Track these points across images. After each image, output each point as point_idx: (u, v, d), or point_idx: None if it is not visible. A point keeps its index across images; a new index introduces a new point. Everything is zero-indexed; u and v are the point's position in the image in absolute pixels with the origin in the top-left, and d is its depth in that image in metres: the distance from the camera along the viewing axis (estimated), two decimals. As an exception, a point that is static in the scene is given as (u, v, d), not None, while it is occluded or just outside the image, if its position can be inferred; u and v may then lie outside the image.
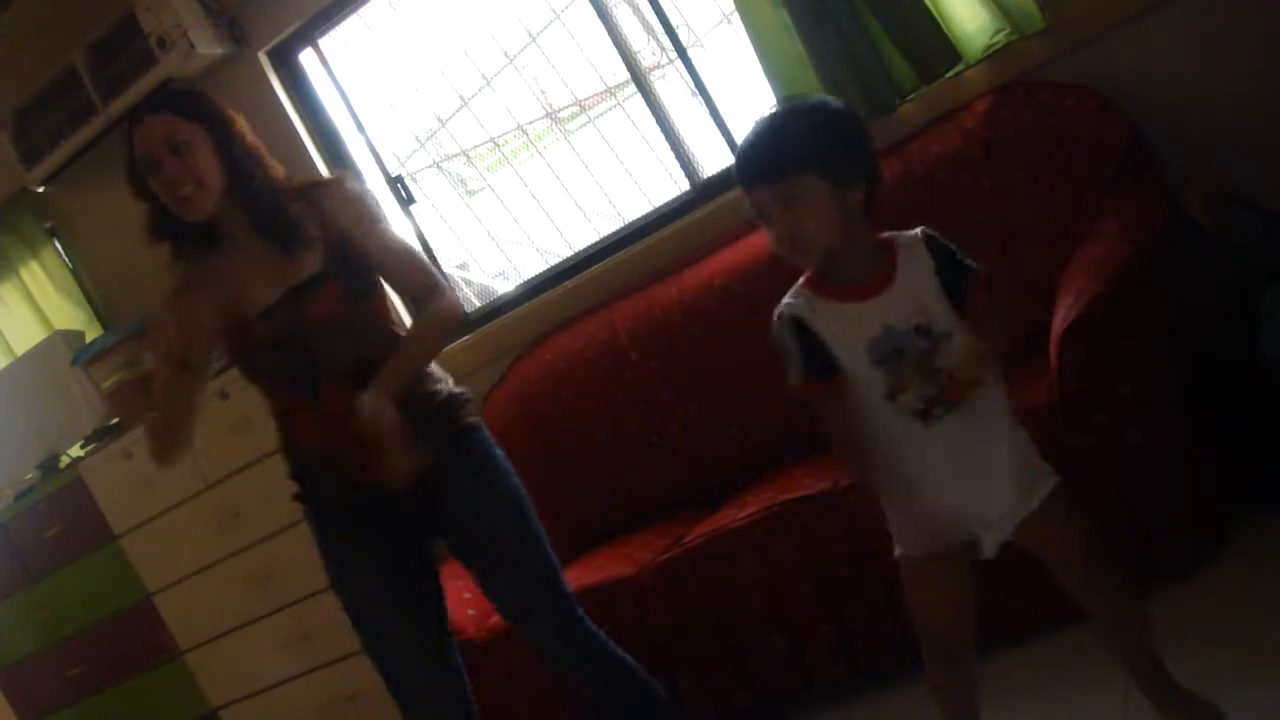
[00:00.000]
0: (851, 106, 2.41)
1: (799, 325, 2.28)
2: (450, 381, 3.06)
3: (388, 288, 3.04)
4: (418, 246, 2.86)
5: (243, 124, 3.01)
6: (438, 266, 2.86)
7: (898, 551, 2.40)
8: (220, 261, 2.98)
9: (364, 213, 2.98)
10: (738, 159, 2.32)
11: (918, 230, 2.32)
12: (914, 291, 2.25)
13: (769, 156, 2.24)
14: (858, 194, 2.25)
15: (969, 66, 3.73)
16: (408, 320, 3.26)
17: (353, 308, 2.94)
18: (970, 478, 2.26)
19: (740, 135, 3.92)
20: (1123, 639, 2.39)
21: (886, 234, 2.32)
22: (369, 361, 2.89)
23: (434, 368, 3.03)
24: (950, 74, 3.76)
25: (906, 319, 2.22)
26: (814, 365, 2.27)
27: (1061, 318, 2.91)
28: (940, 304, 2.25)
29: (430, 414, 2.95)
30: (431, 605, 3.10)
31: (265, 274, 2.93)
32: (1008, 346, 2.25)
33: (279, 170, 3.03)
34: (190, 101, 2.99)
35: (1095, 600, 2.36)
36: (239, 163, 2.92)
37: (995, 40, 3.66)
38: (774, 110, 2.34)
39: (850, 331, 2.24)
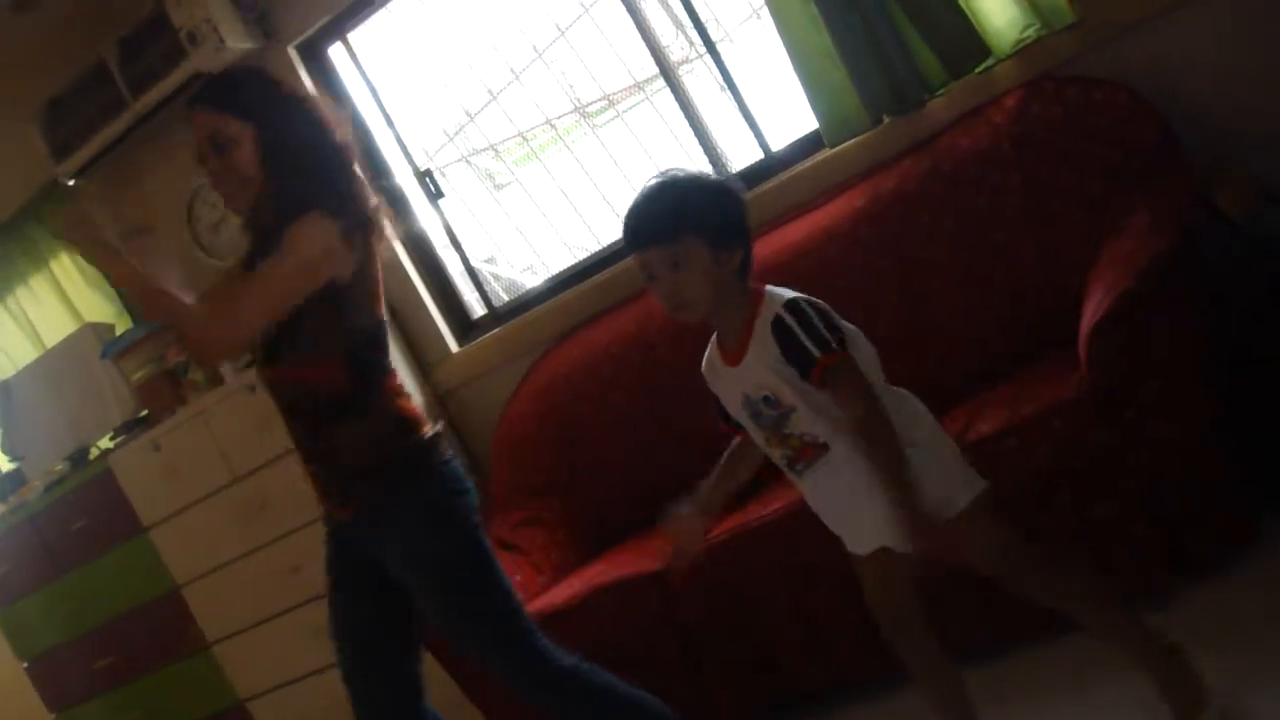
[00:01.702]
0: (730, 178, 2.65)
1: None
2: (399, 436, 2.98)
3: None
4: (278, 283, 2.77)
5: (296, 110, 2.97)
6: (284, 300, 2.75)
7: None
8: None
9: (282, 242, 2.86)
10: (631, 222, 2.51)
11: (777, 307, 2.45)
12: (759, 368, 2.45)
13: (662, 220, 2.46)
14: (734, 259, 2.46)
15: (998, 61, 3.72)
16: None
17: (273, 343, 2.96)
18: (838, 517, 2.58)
19: (767, 130, 3.94)
20: (1097, 637, 2.51)
21: (762, 292, 2.50)
22: (291, 404, 3.01)
23: (383, 427, 2.97)
24: (979, 69, 3.75)
25: (757, 389, 2.47)
26: (723, 412, 2.64)
27: (1090, 313, 2.90)
28: (784, 378, 2.42)
29: (362, 479, 2.97)
30: (393, 609, 3.10)
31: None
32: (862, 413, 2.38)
33: (339, 138, 2.99)
34: (237, 95, 2.95)
35: (1038, 603, 2.51)
36: (279, 161, 2.90)
37: (1025, 35, 3.65)
38: (661, 179, 2.53)
39: (729, 390, 2.55)
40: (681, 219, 2.43)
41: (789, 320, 2.40)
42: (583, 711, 3.02)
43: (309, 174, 2.90)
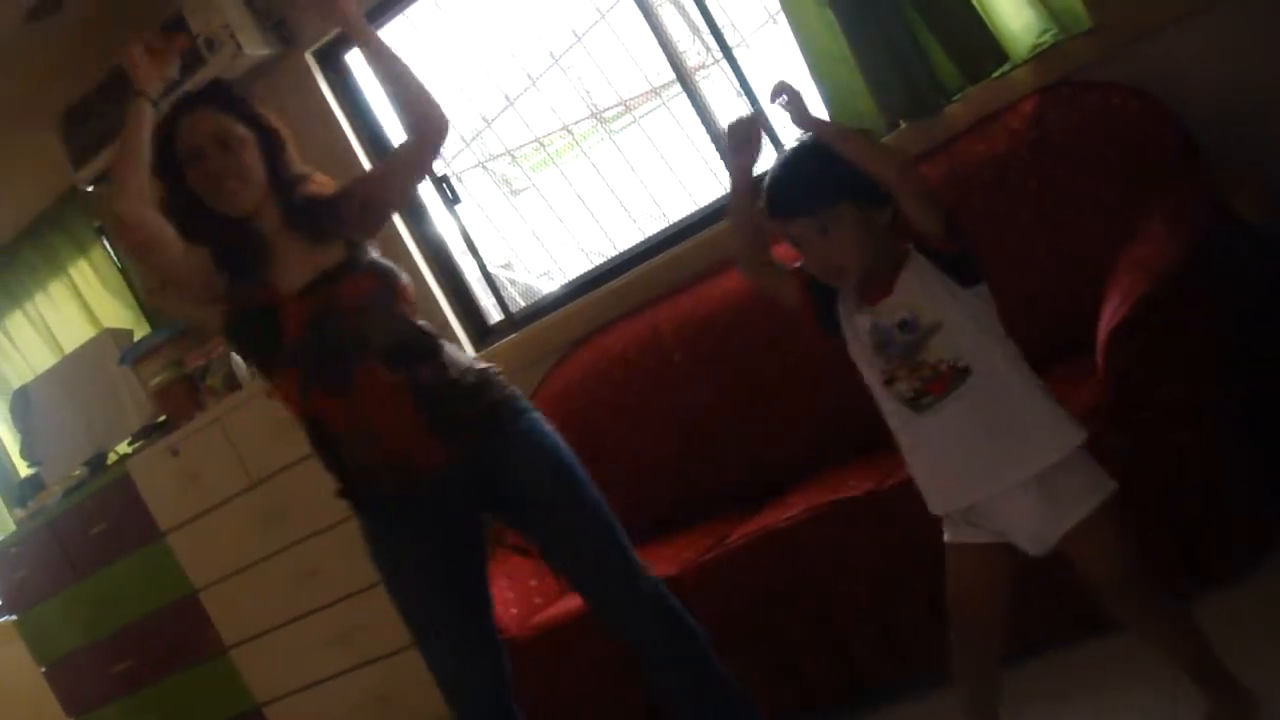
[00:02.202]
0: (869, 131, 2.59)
1: (829, 294, 2.49)
2: (477, 364, 3.08)
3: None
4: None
5: (289, 140, 3.12)
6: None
7: (946, 535, 2.50)
8: (247, 252, 3.02)
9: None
10: (773, 191, 2.45)
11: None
12: (909, 293, 2.37)
13: (805, 187, 2.41)
14: (883, 216, 2.39)
15: (1015, 67, 3.71)
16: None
17: (381, 290, 2.99)
18: (961, 462, 2.38)
19: (784, 135, 3.94)
20: (1167, 653, 2.43)
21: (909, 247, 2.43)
22: (399, 345, 2.95)
23: (460, 358, 3.04)
24: (996, 74, 3.75)
25: (894, 313, 2.37)
26: (825, 319, 2.52)
27: (1108, 318, 2.90)
28: (936, 300, 2.35)
29: (464, 397, 2.98)
30: (476, 596, 3.11)
31: (296, 262, 2.99)
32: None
33: (321, 186, 3.14)
34: (243, 104, 3.07)
35: (1130, 620, 2.43)
36: (280, 166, 3.04)
37: (1042, 40, 3.65)
38: (799, 145, 2.48)
39: (859, 328, 2.43)
40: (826, 184, 2.38)
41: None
42: (682, 646, 3.04)
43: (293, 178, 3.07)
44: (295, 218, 3.03)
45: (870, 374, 2.44)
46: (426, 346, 2.99)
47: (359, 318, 2.94)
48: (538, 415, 3.08)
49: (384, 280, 3.01)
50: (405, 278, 3.06)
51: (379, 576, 3.13)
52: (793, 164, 2.45)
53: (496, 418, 3.01)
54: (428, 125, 3.09)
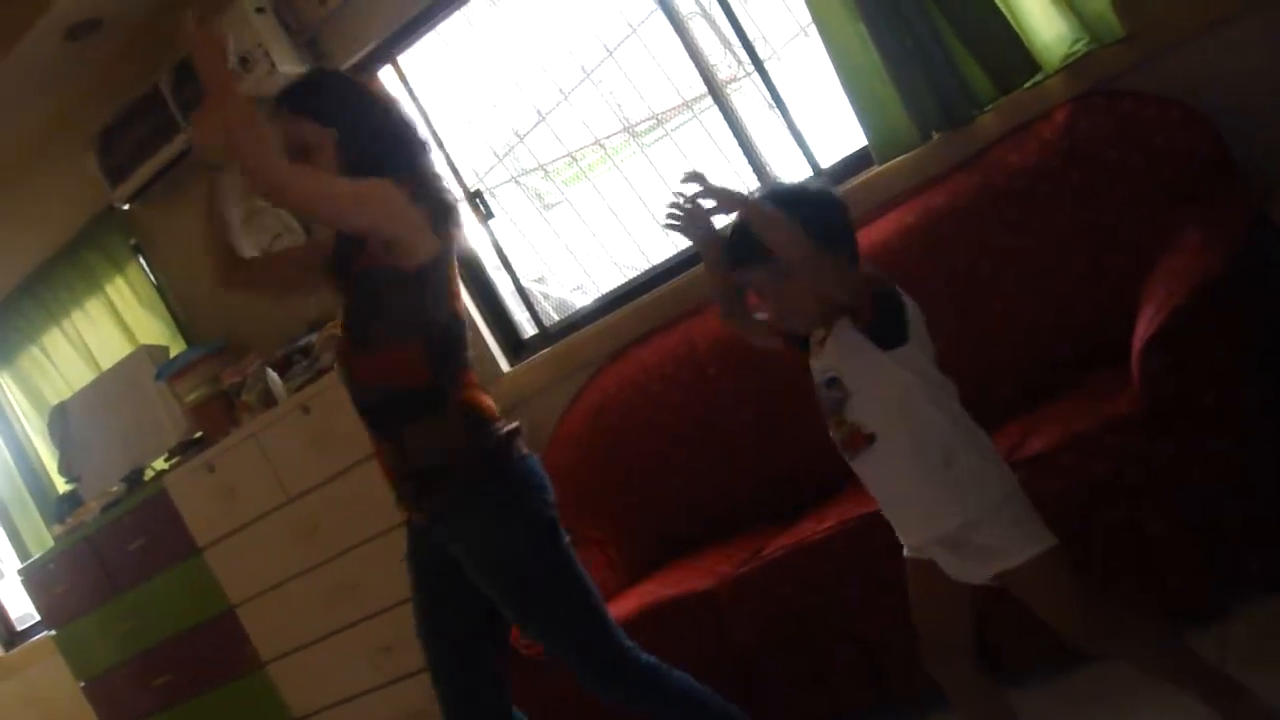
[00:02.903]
0: (831, 187, 2.69)
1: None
2: (474, 429, 3.04)
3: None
4: (344, 187, 2.95)
5: (379, 115, 3.08)
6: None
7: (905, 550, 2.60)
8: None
9: None
10: (733, 241, 2.54)
11: None
12: (834, 356, 2.48)
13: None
14: (841, 264, 2.45)
15: (1048, 76, 3.70)
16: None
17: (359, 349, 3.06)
18: (887, 508, 2.56)
19: (816, 147, 3.94)
20: (1152, 676, 2.48)
21: None
22: (371, 407, 3.07)
23: (459, 420, 3.03)
24: (1029, 84, 3.74)
25: (824, 372, 2.50)
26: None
27: (1144, 328, 2.89)
28: (853, 367, 2.45)
29: (433, 480, 3.02)
30: (477, 609, 3.12)
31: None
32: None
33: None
34: (319, 99, 3.05)
35: (1096, 654, 2.57)
36: (359, 164, 2.98)
37: (1074, 49, 3.64)
38: (766, 190, 2.61)
39: (812, 366, 2.55)
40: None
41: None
42: (666, 712, 3.05)
43: (387, 170, 2.98)
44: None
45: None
46: (396, 414, 3.03)
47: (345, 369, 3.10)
48: (498, 508, 3.02)
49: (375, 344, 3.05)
50: (404, 349, 3.01)
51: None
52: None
53: (440, 514, 3.05)
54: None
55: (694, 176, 2.51)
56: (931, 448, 2.41)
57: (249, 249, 3.24)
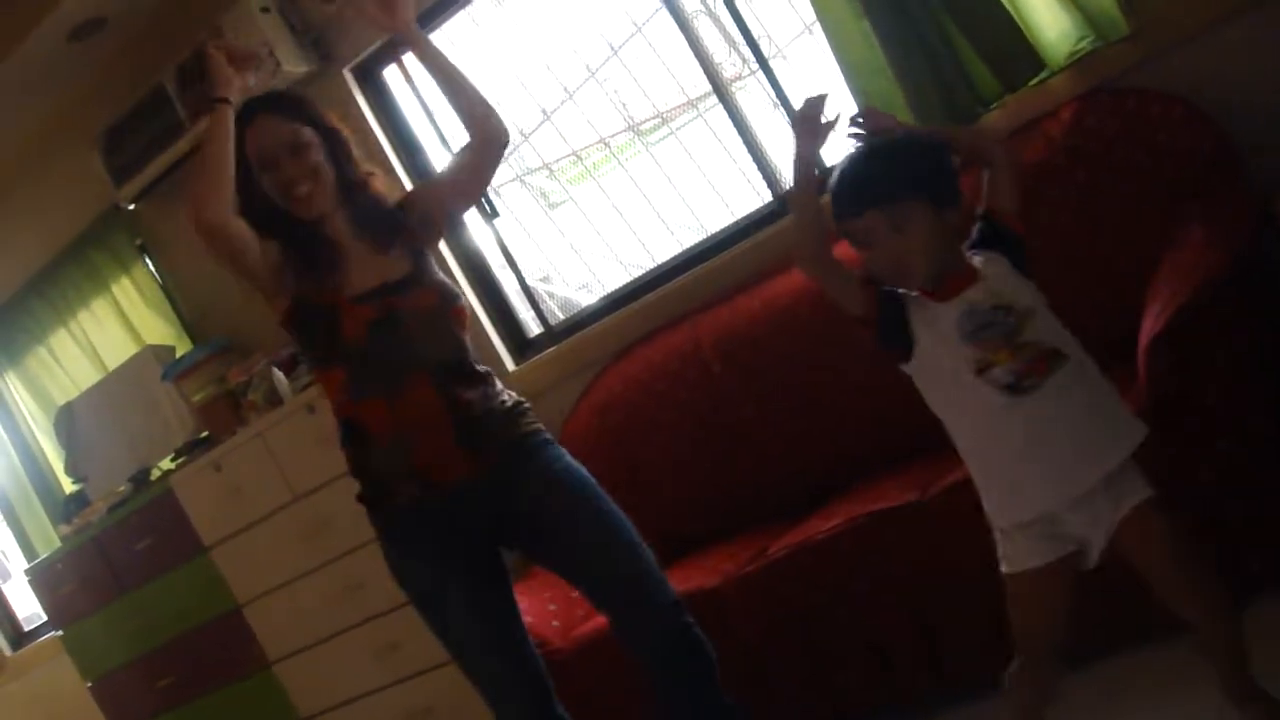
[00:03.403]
0: (934, 135, 2.56)
1: (896, 302, 2.42)
2: (513, 397, 3.17)
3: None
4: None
5: (351, 140, 3.23)
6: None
7: (1004, 568, 2.45)
8: (319, 255, 3.10)
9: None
10: (843, 186, 2.40)
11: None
12: (994, 283, 2.36)
13: (880, 182, 2.36)
14: (954, 217, 2.37)
15: (1053, 74, 3.70)
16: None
17: (441, 308, 3.08)
18: (1053, 455, 2.32)
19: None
20: (1217, 649, 2.40)
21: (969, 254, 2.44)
22: (448, 365, 3.04)
23: (499, 388, 3.12)
24: (1034, 82, 3.73)
25: (988, 301, 2.34)
26: (890, 336, 2.43)
27: (1149, 326, 2.89)
28: (1021, 288, 2.37)
29: (496, 422, 3.06)
30: (504, 607, 3.15)
31: (363, 268, 3.08)
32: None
33: (385, 187, 3.26)
34: (305, 106, 3.19)
35: (1189, 611, 2.38)
36: (347, 168, 3.15)
37: (1079, 47, 3.63)
38: (870, 143, 2.46)
39: (940, 320, 2.36)
40: (903, 180, 2.35)
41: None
42: (700, 687, 3.06)
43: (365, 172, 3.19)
44: (362, 221, 3.13)
45: (953, 368, 2.36)
46: (473, 372, 3.08)
47: (416, 331, 3.03)
48: (563, 450, 3.16)
49: (444, 300, 3.10)
50: (464, 301, 3.15)
51: (404, 595, 3.20)
52: (864, 160, 2.43)
53: (523, 445, 3.10)
54: (488, 131, 3.16)
55: (868, 113, 2.49)
56: (1096, 367, 2.37)
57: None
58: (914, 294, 2.41)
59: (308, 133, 3.09)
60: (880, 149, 2.43)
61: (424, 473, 3.02)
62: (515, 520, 3.09)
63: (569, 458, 3.15)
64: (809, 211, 2.46)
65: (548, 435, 3.17)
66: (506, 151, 3.25)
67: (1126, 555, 2.37)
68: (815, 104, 2.48)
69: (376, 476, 3.11)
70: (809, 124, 2.47)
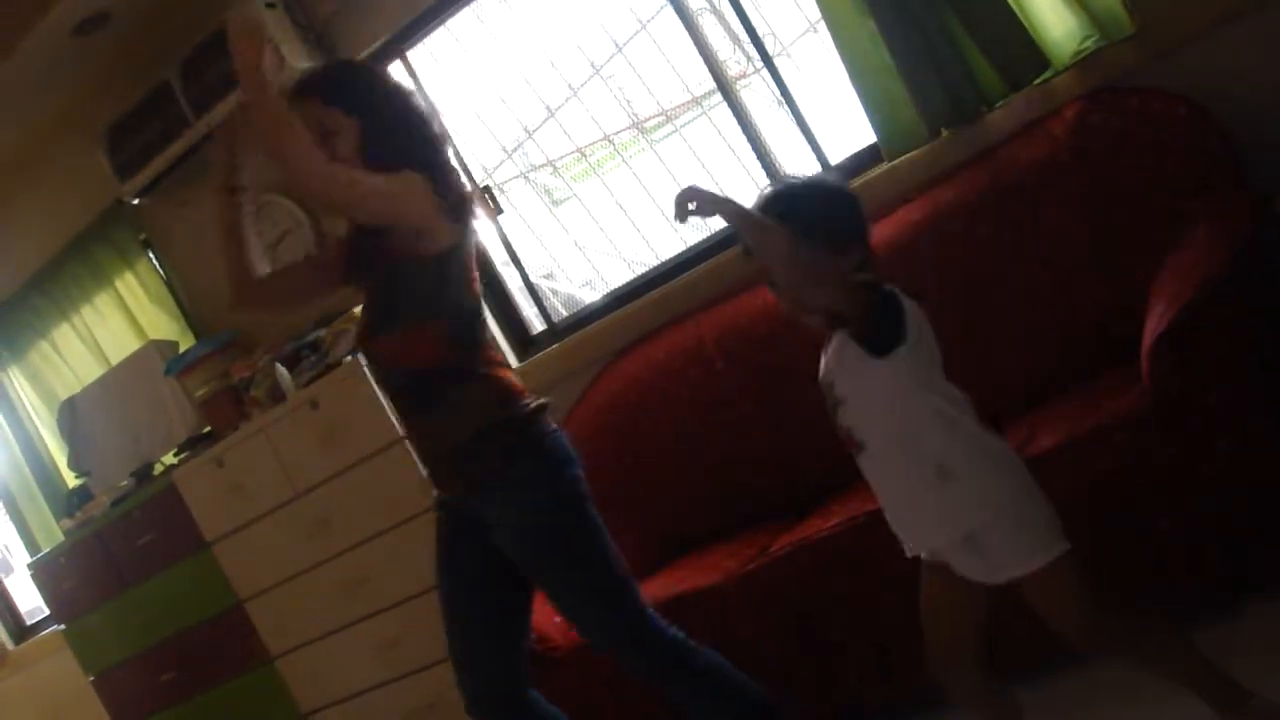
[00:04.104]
0: (844, 183, 2.67)
1: None
2: (493, 410, 3.09)
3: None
4: (373, 185, 3.00)
5: (399, 105, 3.12)
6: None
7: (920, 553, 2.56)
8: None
9: None
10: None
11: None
12: (831, 360, 2.49)
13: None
14: (851, 260, 2.45)
15: (1057, 73, 3.70)
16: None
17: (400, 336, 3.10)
18: (891, 510, 2.53)
19: (825, 143, 3.93)
20: (1167, 679, 2.45)
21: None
22: (402, 386, 3.15)
23: (487, 395, 3.10)
24: (1038, 81, 3.73)
25: (823, 375, 2.51)
26: None
27: (1153, 325, 2.88)
28: (846, 374, 2.45)
29: (463, 454, 3.08)
30: (504, 593, 3.18)
31: (371, 261, 3.13)
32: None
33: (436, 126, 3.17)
34: (344, 89, 3.10)
35: (1110, 659, 2.52)
36: (378, 150, 3.04)
37: (1083, 46, 3.63)
38: (775, 187, 2.55)
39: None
40: (798, 227, 2.41)
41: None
42: (689, 686, 3.09)
43: (405, 160, 3.04)
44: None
45: None
46: (424, 394, 3.09)
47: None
48: (528, 485, 3.08)
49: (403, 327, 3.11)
50: (427, 329, 3.08)
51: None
52: (764, 207, 2.50)
53: (473, 486, 3.10)
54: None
55: (690, 195, 2.44)
56: (924, 461, 2.40)
57: (264, 267, 3.28)
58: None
59: (340, 119, 3.04)
60: (783, 196, 2.50)
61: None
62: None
63: (529, 499, 3.08)
64: (745, 223, 2.51)
65: (512, 471, 3.07)
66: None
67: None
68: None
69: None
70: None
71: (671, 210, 2.54)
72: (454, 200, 3.06)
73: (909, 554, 2.54)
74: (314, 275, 3.36)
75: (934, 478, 2.39)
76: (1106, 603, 2.42)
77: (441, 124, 3.19)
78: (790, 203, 2.46)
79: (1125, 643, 2.41)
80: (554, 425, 3.15)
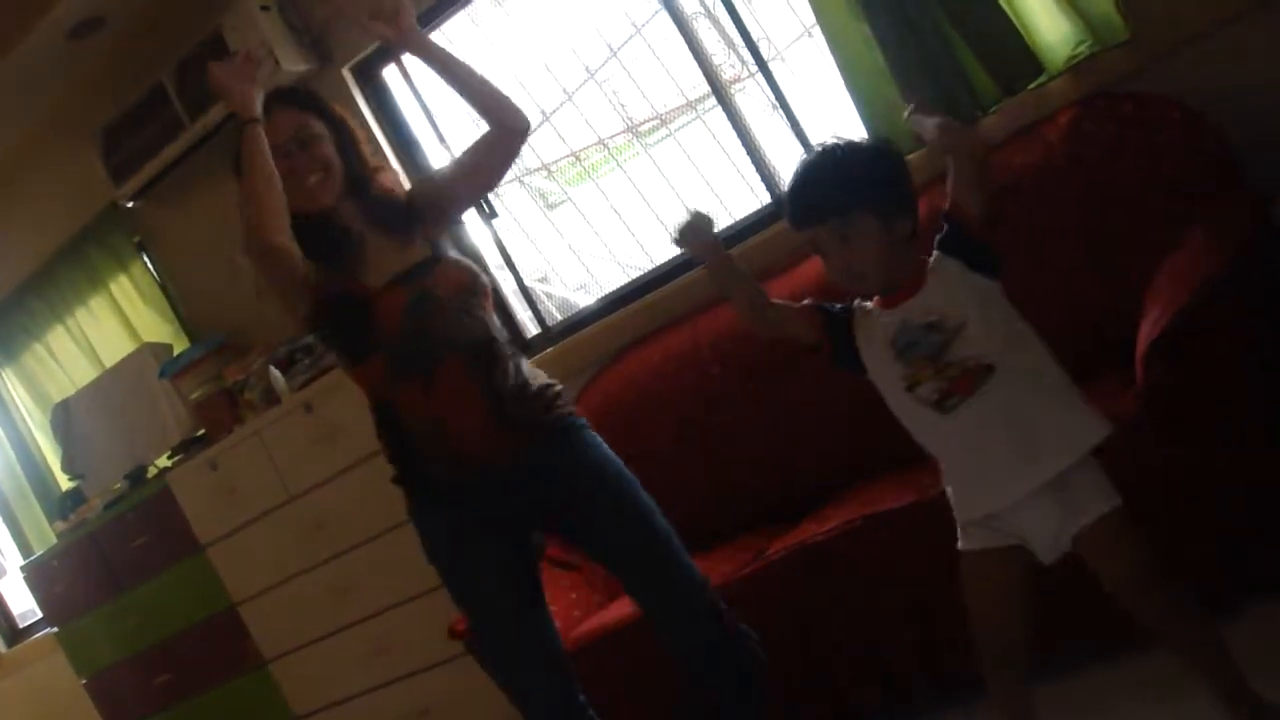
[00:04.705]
0: (894, 145, 2.59)
1: (843, 323, 2.51)
2: (543, 377, 3.14)
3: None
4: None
5: (358, 131, 3.26)
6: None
7: (959, 544, 2.52)
8: (338, 242, 3.11)
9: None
10: (793, 198, 2.47)
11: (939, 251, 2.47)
12: (935, 295, 2.40)
13: (827, 195, 2.42)
14: (905, 226, 2.41)
15: (1052, 78, 3.70)
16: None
17: (471, 285, 3.08)
18: (991, 462, 2.38)
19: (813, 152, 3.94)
20: (1193, 656, 2.41)
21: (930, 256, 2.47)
22: (479, 343, 3.03)
23: (529, 369, 3.10)
24: (1033, 86, 3.73)
25: (924, 314, 2.39)
26: (843, 357, 2.52)
27: (1148, 330, 2.89)
28: (961, 299, 2.38)
29: (528, 404, 3.04)
30: (530, 583, 3.13)
31: (383, 256, 3.09)
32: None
33: (388, 178, 3.29)
34: (315, 98, 3.23)
35: (1155, 625, 2.41)
36: (355, 160, 3.18)
37: (1078, 51, 3.64)
38: (822, 150, 2.48)
39: (879, 332, 2.45)
40: (849, 193, 2.39)
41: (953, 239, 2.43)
42: (732, 657, 3.06)
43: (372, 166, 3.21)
44: (373, 212, 3.15)
45: (890, 383, 2.45)
46: (503, 351, 3.06)
47: (450, 312, 3.02)
48: (597, 437, 3.14)
49: (470, 278, 3.10)
50: (485, 278, 3.14)
51: (440, 578, 3.15)
52: (810, 172, 2.46)
53: (555, 428, 3.07)
54: (505, 121, 3.14)
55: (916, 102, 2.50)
56: (1054, 369, 2.39)
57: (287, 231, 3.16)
58: (865, 304, 2.49)
59: (318, 124, 3.13)
60: (826, 159, 2.45)
61: (460, 455, 3.00)
62: (549, 505, 3.08)
63: (603, 446, 3.13)
64: (730, 278, 2.62)
65: (581, 420, 3.14)
66: (528, 138, 3.24)
67: (1089, 565, 2.39)
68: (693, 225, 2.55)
69: (414, 459, 3.08)
70: (689, 239, 2.57)
71: (684, 215, 2.55)
72: None
73: (972, 544, 2.47)
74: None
75: (1065, 385, 2.37)
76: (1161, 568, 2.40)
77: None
78: (845, 166, 2.42)
79: (1187, 609, 2.38)
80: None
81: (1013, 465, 2.36)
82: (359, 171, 3.17)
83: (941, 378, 2.36)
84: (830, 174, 2.42)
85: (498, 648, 3.14)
